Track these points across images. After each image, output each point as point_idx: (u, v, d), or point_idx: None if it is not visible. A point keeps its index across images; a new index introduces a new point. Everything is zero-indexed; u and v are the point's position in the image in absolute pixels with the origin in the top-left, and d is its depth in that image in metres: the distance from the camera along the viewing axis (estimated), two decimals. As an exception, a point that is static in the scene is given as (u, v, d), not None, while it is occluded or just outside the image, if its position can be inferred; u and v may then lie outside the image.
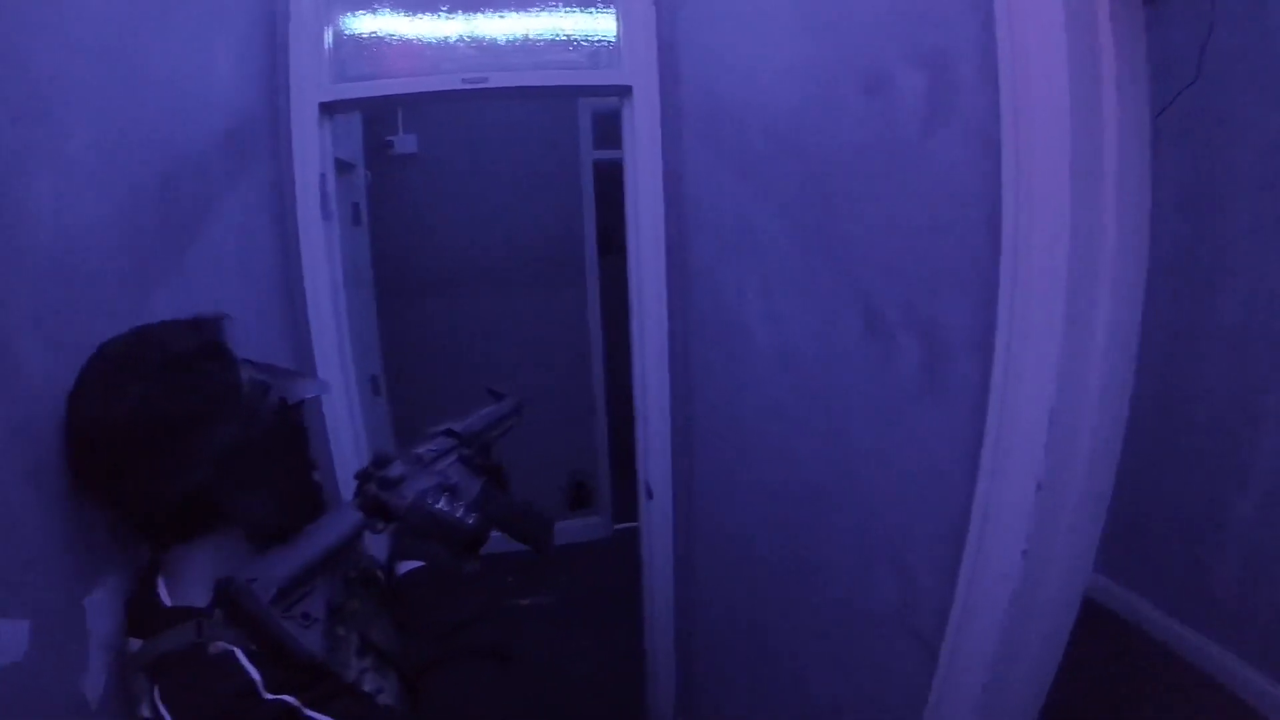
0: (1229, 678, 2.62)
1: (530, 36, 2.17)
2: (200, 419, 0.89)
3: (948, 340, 1.10)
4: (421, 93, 2.09)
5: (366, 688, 0.98)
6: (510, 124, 3.90)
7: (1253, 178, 2.49)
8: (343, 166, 3.30)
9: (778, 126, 1.57)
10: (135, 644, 0.90)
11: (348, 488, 2.12)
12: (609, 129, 2.28)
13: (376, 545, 1.15)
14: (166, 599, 0.92)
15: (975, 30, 1.00)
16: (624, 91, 2.17)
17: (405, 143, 3.82)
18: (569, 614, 3.65)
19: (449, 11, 2.13)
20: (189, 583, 0.93)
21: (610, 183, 2.39)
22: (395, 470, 1.08)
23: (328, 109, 2.04)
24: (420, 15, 2.13)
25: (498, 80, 2.07)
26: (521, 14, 2.15)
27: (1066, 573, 1.08)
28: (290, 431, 1.04)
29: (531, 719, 2.79)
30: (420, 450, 1.15)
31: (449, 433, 1.23)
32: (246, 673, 0.81)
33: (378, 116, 3.75)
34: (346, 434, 2.20)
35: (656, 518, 2.48)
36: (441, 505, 1.05)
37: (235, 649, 0.83)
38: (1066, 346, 0.95)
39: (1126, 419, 1.08)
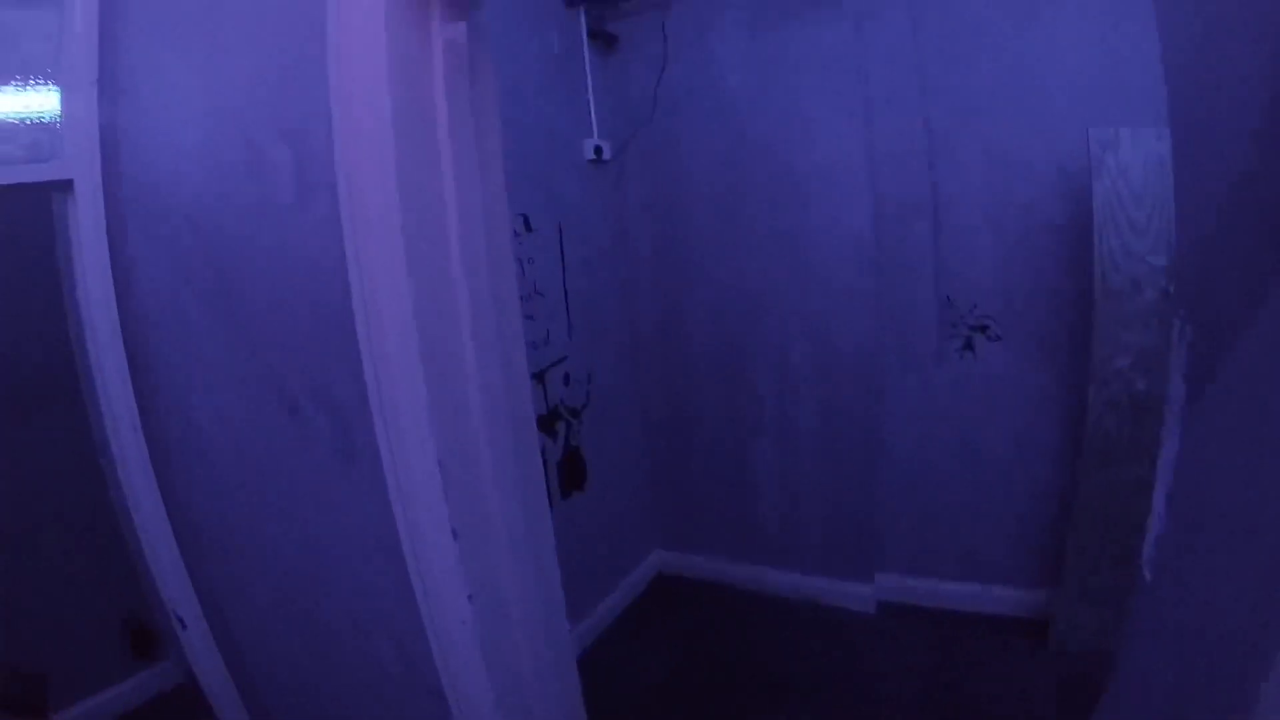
0: (775, 587, 3.22)
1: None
2: None
3: (348, 413, 1.13)
4: None
5: None
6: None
7: (702, 189, 3.06)
8: None
9: (193, 210, 1.51)
10: None
11: None
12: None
13: None
14: None
15: (322, 101, 1.04)
16: (65, 186, 1.91)
17: None
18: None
19: None
20: None
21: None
22: None
23: None
24: None
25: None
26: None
27: (527, 595, 1.15)
28: None
29: None
30: None
31: None
32: None
33: None
34: None
35: (200, 649, 2.23)
36: None
37: None
38: (433, 396, 1.01)
39: (534, 436, 1.19)
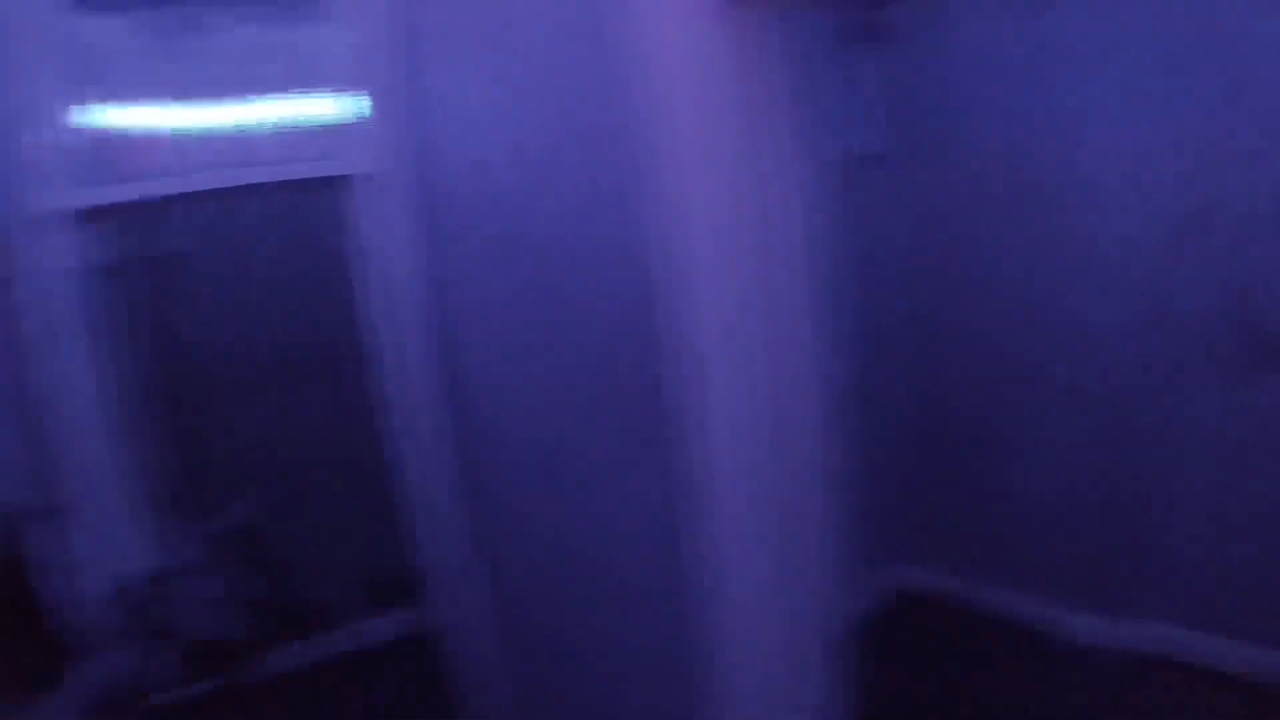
0: (1034, 619, 2.89)
1: (276, 129, 2.18)
2: None
3: (645, 402, 1.23)
4: (168, 195, 2.08)
5: None
6: (276, 211, 3.79)
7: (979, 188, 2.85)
8: (96, 271, 3.14)
9: (501, 204, 1.70)
10: None
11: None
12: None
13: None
14: None
15: (635, 105, 1.14)
16: (369, 178, 2.21)
17: (168, 242, 3.64)
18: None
19: (198, 106, 2.11)
20: None
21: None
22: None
23: (73, 214, 1.97)
24: (169, 111, 2.10)
25: (246, 176, 2.08)
26: (265, 103, 2.16)
27: (800, 591, 1.19)
28: None
29: None
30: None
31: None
32: None
33: (140, 217, 3.58)
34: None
35: (466, 602, 2.45)
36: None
37: None
38: (752, 386, 1.07)
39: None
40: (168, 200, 2.14)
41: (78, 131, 2.02)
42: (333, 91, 2.24)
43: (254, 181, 2.08)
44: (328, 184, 2.30)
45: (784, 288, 1.12)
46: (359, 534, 4.00)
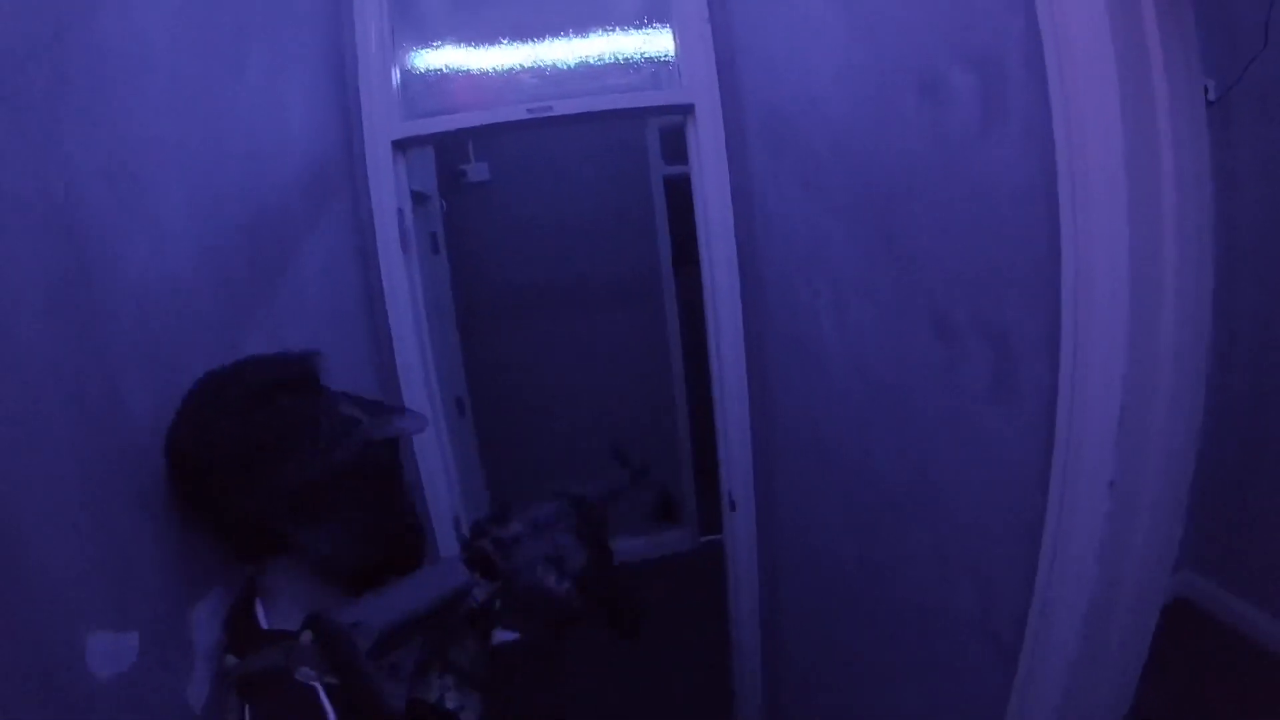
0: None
1: (591, 61, 2.22)
2: (272, 452, 0.93)
3: (1015, 343, 1.09)
4: (488, 125, 2.15)
5: (449, 705, 1.01)
6: (579, 145, 3.96)
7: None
8: (419, 198, 3.42)
9: (835, 134, 1.58)
10: (232, 660, 0.95)
11: (435, 507, 2.23)
12: (677, 144, 2.32)
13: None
14: (263, 621, 0.97)
15: (1020, 26, 0.99)
16: (686, 110, 2.20)
17: (478, 171, 3.93)
18: (655, 629, 3.64)
19: (511, 42, 2.20)
20: (283, 606, 0.98)
21: (681, 197, 2.43)
22: (511, 530, 1.09)
23: (400, 146, 2.13)
24: (484, 48, 2.20)
25: (561, 108, 2.12)
26: (581, 39, 2.21)
27: (1145, 574, 1.05)
28: (374, 469, 1.02)
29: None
30: (537, 513, 1.15)
31: (570, 499, 1.23)
32: (323, 711, 0.84)
33: (450, 146, 3.86)
34: (434, 455, 2.27)
35: (740, 530, 2.47)
36: (550, 579, 1.05)
37: (317, 684, 0.86)
38: (1133, 344, 0.93)
39: (1202, 412, 1.05)
40: (481, 130, 2.23)
41: (402, 68, 2.15)
42: (639, 27, 2.23)
43: (567, 113, 2.11)
44: (640, 115, 2.33)
45: (1182, 243, 0.95)
46: (648, 453, 4.19)
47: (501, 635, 1.05)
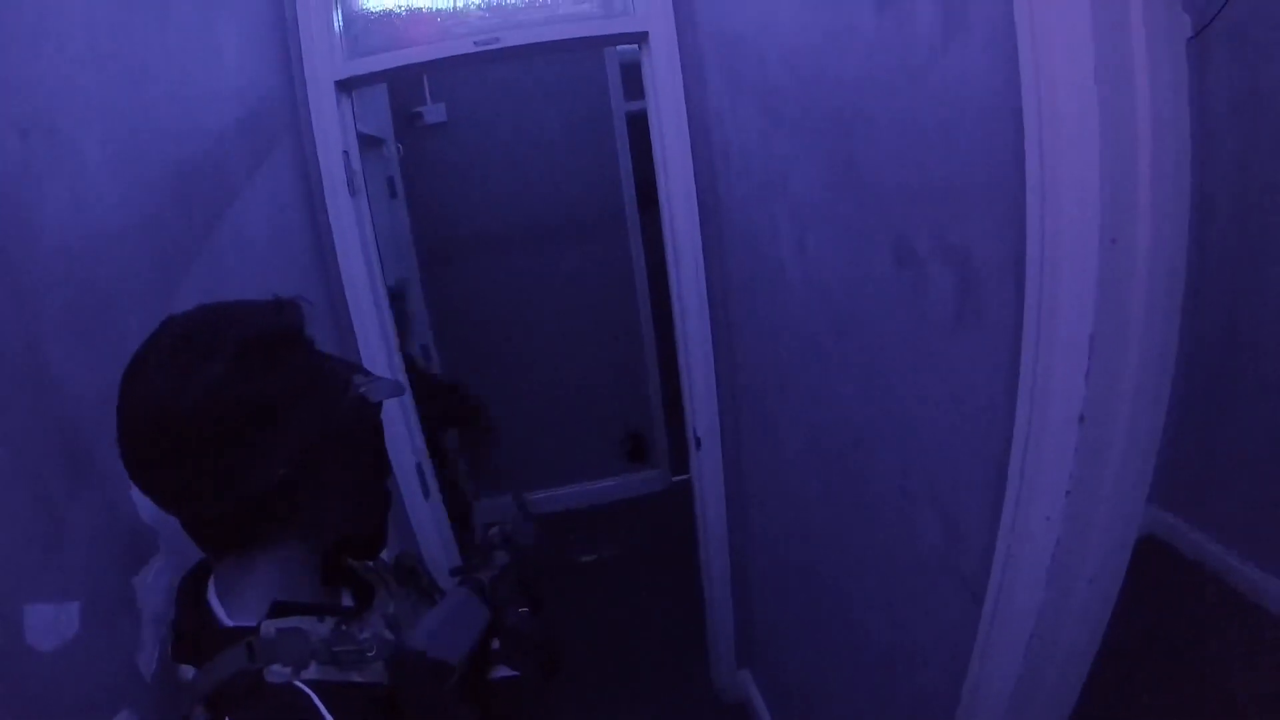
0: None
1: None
2: (279, 409, 0.79)
3: (979, 267, 1.05)
4: (435, 60, 2.06)
5: None
6: (538, 82, 3.85)
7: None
8: (372, 141, 3.31)
9: (793, 56, 1.51)
10: (188, 671, 0.83)
11: (398, 459, 2.19)
12: (639, 80, 2.24)
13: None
14: (224, 617, 0.83)
15: None
16: (640, 38, 2.12)
17: (434, 112, 3.81)
18: (629, 569, 3.69)
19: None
20: (248, 599, 0.84)
21: (644, 134, 2.36)
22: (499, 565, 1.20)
23: (344, 86, 2.03)
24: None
25: (510, 39, 2.03)
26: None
27: (1116, 512, 1.03)
28: (368, 432, 0.95)
29: (598, 673, 2.88)
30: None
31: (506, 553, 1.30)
32: (321, 715, 0.75)
33: (404, 88, 3.74)
34: (395, 411, 2.23)
35: (706, 467, 2.47)
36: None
37: (309, 690, 0.76)
38: (1104, 267, 0.89)
39: (1177, 343, 1.03)
40: (428, 66, 2.14)
41: (343, 5, 2.04)
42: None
43: (515, 44, 2.03)
44: (592, 45, 2.24)
45: (1158, 159, 0.91)
46: (617, 394, 4.22)
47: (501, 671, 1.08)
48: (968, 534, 1.20)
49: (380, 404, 0.94)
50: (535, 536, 1.38)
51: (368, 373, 0.96)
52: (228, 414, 0.75)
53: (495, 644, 1.10)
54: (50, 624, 0.83)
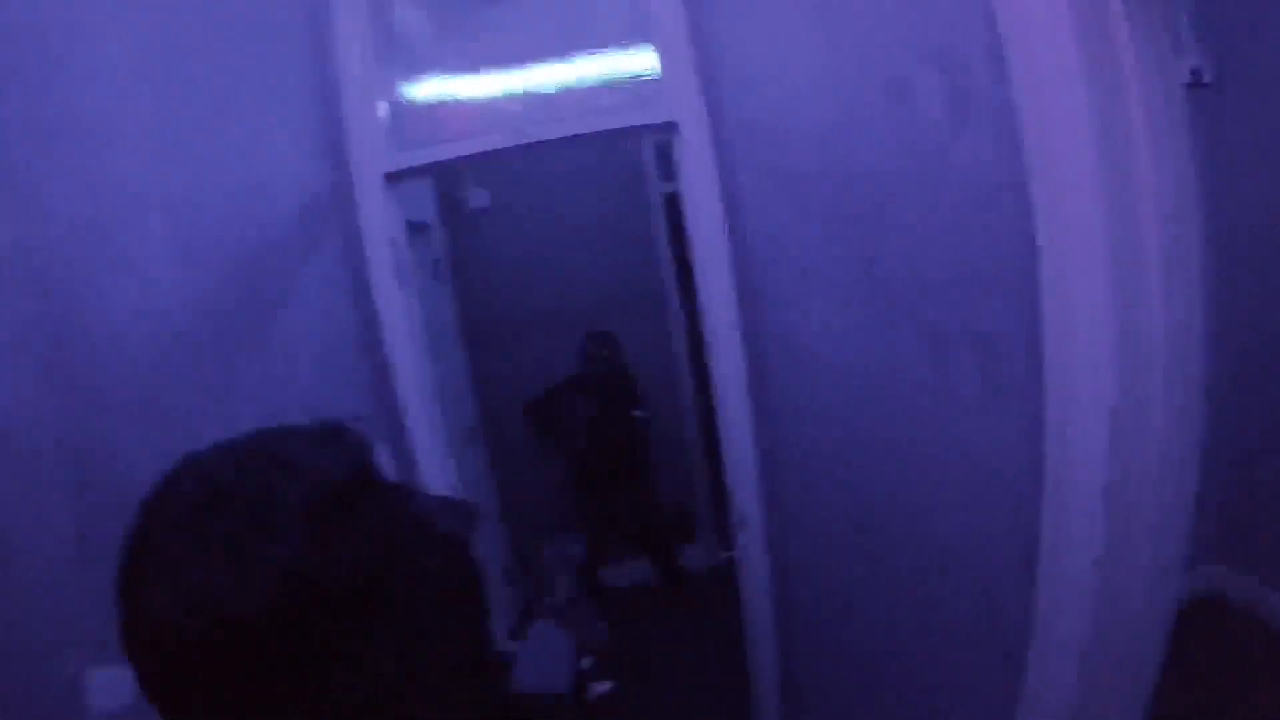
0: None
1: (578, 84, 2.23)
2: (375, 587, 0.56)
3: (1000, 347, 1.07)
4: (477, 154, 2.17)
5: None
6: (577, 166, 3.98)
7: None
8: (417, 228, 3.43)
9: (815, 146, 1.57)
10: None
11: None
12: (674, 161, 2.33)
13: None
14: None
15: (980, 25, 0.98)
16: (671, 128, 2.20)
17: (477, 198, 3.95)
18: (676, 652, 3.62)
19: (498, 69, 2.21)
20: None
21: (681, 213, 2.44)
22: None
23: (390, 178, 2.14)
24: (470, 76, 2.22)
25: (549, 132, 2.13)
26: (565, 62, 2.22)
27: (1152, 579, 1.02)
28: (467, 587, 0.67)
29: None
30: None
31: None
32: None
33: (448, 176, 3.89)
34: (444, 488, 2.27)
35: (752, 548, 2.45)
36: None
37: None
38: (1122, 338, 0.91)
39: (1203, 406, 1.03)
40: (470, 159, 2.24)
41: (389, 101, 2.16)
42: (623, 48, 2.26)
43: (552, 137, 2.13)
44: (624, 136, 2.33)
45: (1148, 240, 0.93)
46: (656, 475, 4.20)
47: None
48: (1004, 607, 1.19)
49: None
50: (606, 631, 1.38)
51: (446, 499, 0.75)
52: (305, 607, 0.52)
53: (584, 663, 1.10)
54: (109, 687, 0.88)
